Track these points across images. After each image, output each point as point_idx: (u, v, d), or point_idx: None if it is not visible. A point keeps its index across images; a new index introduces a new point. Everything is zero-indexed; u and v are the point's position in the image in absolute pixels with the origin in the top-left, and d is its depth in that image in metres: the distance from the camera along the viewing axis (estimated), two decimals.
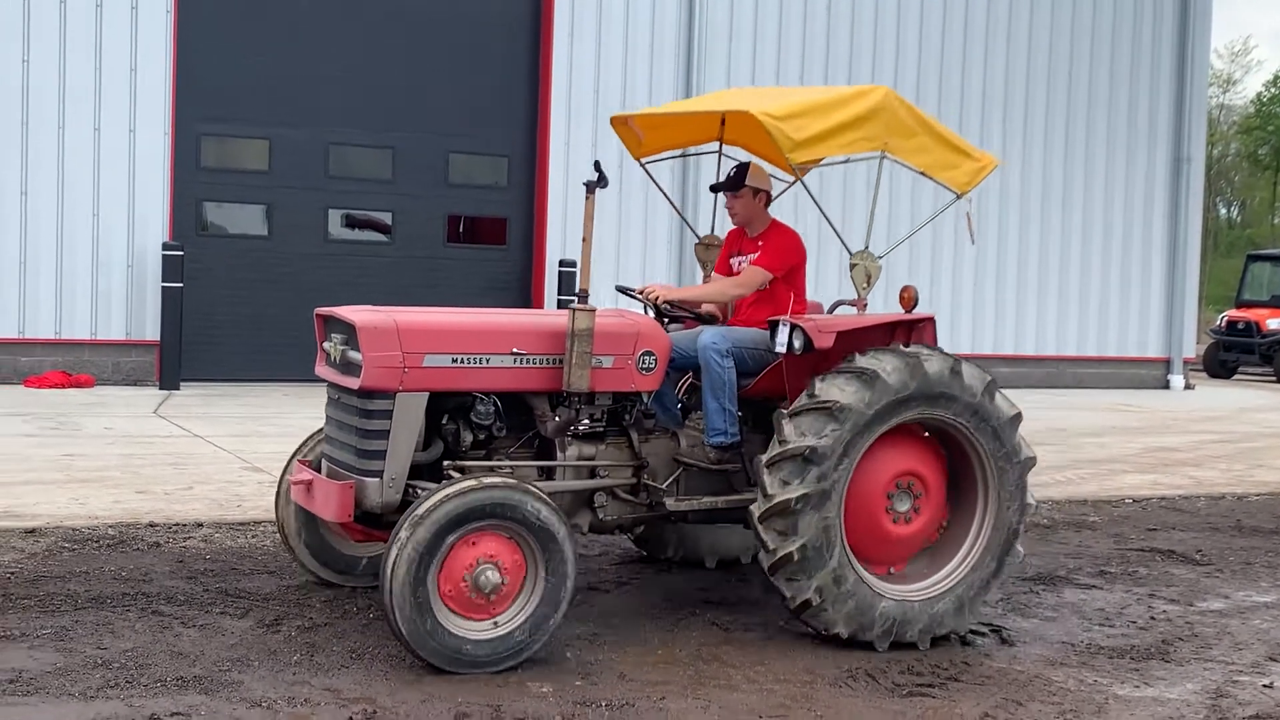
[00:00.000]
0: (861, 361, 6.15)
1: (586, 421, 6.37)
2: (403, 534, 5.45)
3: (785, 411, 6.14)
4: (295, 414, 12.79)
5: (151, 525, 8.03)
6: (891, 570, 6.43)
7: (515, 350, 6.09)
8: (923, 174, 6.80)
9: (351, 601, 6.57)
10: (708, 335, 6.55)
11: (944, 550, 6.54)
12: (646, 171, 7.60)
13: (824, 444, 5.99)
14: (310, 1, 15.90)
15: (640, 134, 7.49)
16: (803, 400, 6.11)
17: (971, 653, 6.31)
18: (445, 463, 6.09)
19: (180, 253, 14.48)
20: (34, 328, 14.54)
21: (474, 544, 5.57)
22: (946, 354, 6.33)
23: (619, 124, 7.48)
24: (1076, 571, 8.10)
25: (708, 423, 6.52)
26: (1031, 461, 6.54)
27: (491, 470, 6.10)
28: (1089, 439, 14.02)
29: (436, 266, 16.73)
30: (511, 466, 6.22)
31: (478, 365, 6.05)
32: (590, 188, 6.15)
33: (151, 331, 14.83)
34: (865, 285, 6.54)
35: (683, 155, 7.81)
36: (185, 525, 8.09)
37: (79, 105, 14.52)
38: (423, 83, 16.40)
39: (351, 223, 16.69)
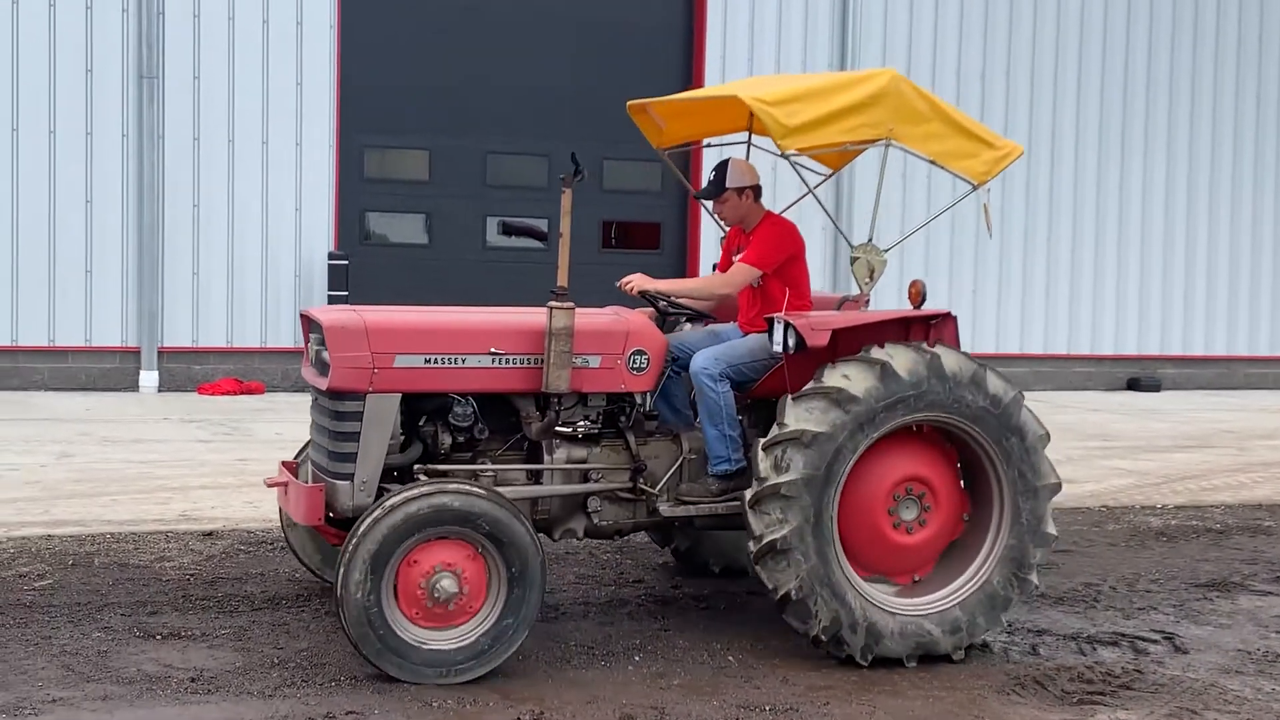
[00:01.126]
0: (827, 379, 5.81)
1: (584, 423, 6.19)
2: (355, 539, 5.36)
3: (791, 396, 5.87)
4: None
5: None
6: (918, 578, 6.13)
7: (493, 350, 5.94)
8: (934, 163, 6.44)
9: None
10: (699, 359, 6.26)
11: (954, 564, 6.18)
12: (667, 161, 7.30)
13: (802, 475, 5.72)
14: (467, 13, 16.17)
15: (661, 122, 7.12)
16: (774, 430, 5.82)
17: (1144, 660, 6.17)
18: (415, 466, 5.96)
19: (345, 262, 14.83)
20: (207, 337, 15.00)
21: (432, 550, 5.45)
22: (923, 349, 5.95)
23: (637, 111, 7.14)
24: (1252, 578, 7.86)
25: (709, 451, 6.23)
26: (1043, 439, 6.11)
27: (474, 475, 5.97)
28: (1261, 441, 13.58)
29: (591, 272, 16.78)
30: (495, 470, 6.05)
31: (452, 366, 5.91)
32: (566, 180, 5.96)
33: None
34: (867, 280, 6.27)
35: (709, 145, 7.39)
36: None
37: (247, 120, 14.95)
38: (577, 90, 16.55)
39: (508, 230, 16.92)
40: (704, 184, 6.69)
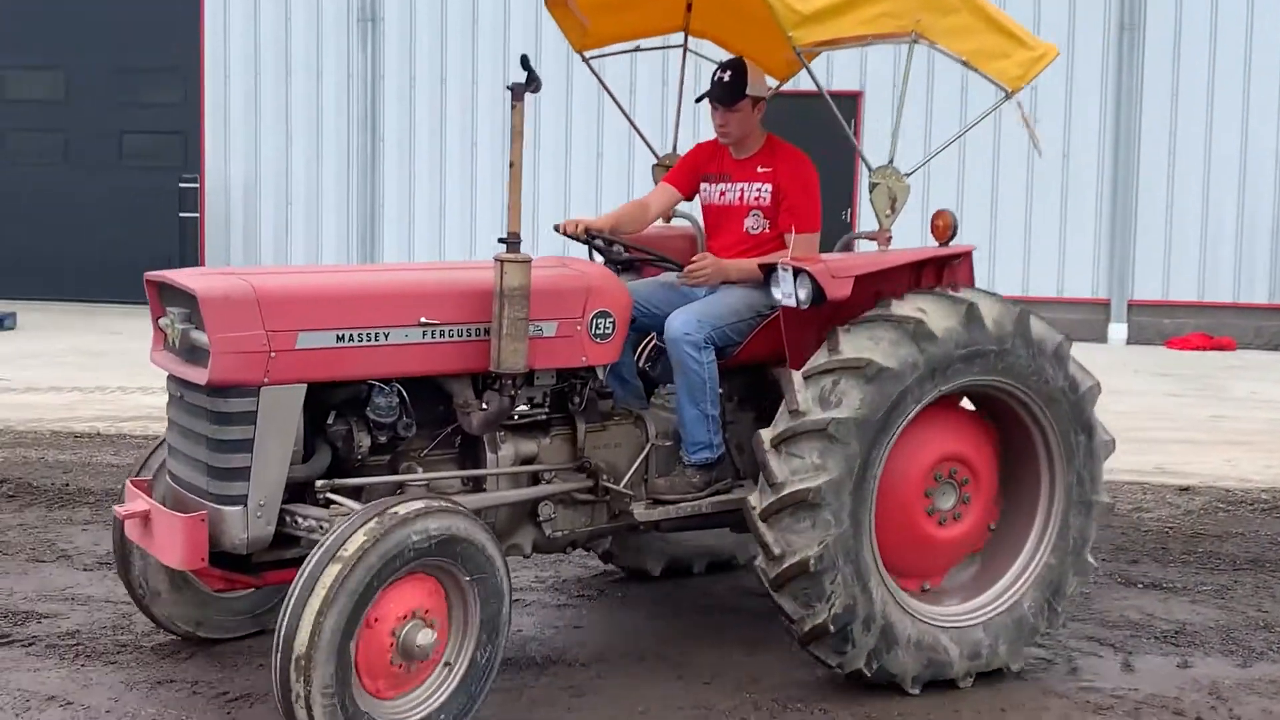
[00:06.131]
0: (899, 309, 4.69)
1: (526, 408, 4.84)
2: (328, 580, 3.86)
3: (800, 372, 4.63)
4: None
5: None
6: (927, 586, 4.98)
7: (423, 320, 4.49)
8: (965, 64, 5.14)
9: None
10: (679, 323, 4.94)
11: (997, 559, 5.06)
12: (590, 67, 5.97)
13: (855, 416, 4.51)
14: None
15: (584, 19, 5.76)
16: (821, 359, 4.62)
17: None
18: (319, 483, 4.42)
19: None
20: (1178, 290, 14.91)
21: (404, 592, 4.06)
22: (999, 297, 4.87)
23: (556, 6, 5.75)
24: None
25: (686, 435, 5.00)
26: (1108, 446, 5.05)
27: (400, 487, 4.58)
28: None
29: None
30: (428, 479, 4.62)
31: (372, 343, 4.44)
32: (517, 92, 4.39)
33: None
34: (889, 212, 4.96)
35: (636, 50, 6.04)
36: None
37: (1228, 71, 14.62)
38: None
39: None
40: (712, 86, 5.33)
